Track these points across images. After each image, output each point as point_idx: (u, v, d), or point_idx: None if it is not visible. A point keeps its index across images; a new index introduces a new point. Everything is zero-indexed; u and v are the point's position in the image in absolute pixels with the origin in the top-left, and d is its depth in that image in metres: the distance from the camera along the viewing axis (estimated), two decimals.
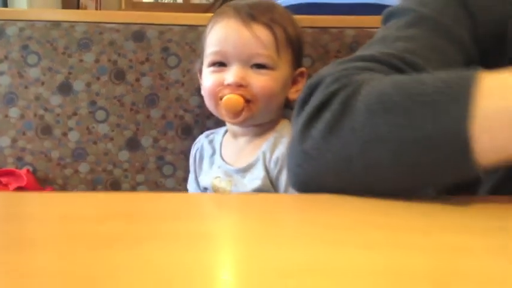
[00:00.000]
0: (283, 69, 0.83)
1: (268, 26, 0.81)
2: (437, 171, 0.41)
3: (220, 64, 0.82)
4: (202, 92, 0.86)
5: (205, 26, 0.90)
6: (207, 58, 0.83)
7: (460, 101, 0.39)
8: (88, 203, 0.43)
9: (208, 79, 0.83)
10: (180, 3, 3.64)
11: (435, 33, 0.54)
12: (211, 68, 0.83)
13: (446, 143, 0.39)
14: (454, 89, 0.40)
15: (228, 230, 0.36)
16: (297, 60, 0.86)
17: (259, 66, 0.81)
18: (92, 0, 2.56)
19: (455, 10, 0.56)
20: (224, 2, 2.89)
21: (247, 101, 0.80)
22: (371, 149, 0.42)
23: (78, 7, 2.36)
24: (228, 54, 0.81)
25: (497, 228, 0.36)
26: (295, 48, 0.85)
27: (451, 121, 0.39)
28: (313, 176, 0.46)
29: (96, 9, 2.59)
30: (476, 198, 0.46)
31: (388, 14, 0.59)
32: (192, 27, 1.02)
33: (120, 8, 2.89)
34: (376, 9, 1.31)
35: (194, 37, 1.01)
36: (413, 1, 0.58)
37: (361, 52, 0.54)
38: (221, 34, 0.82)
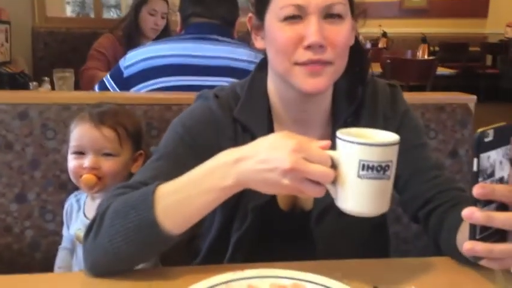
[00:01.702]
0: (125, 155, 1.21)
1: (113, 127, 1.18)
2: (146, 245, 0.81)
3: (79, 153, 1.18)
4: (69, 170, 1.22)
5: (77, 104, 1.28)
6: (71, 148, 1.19)
7: (147, 202, 0.79)
8: None
9: (71, 163, 1.19)
10: (92, 18, 3.79)
11: (171, 163, 0.93)
12: (74, 155, 1.19)
13: (145, 227, 0.79)
14: (142, 196, 0.81)
15: None
16: (136, 146, 1.24)
17: (107, 154, 1.18)
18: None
19: (184, 148, 0.95)
20: (126, 18, 3.15)
21: (99, 178, 1.18)
22: (114, 240, 0.80)
23: None
24: (85, 147, 1.17)
25: None
26: (135, 139, 1.23)
27: (145, 214, 0.79)
28: (94, 264, 0.84)
29: (6, 35, 2.68)
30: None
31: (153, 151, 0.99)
32: (66, 106, 1.36)
33: (34, 23, 2.95)
34: (229, 71, 1.68)
35: (67, 115, 1.35)
36: (162, 145, 0.97)
37: (132, 180, 0.93)
38: (80, 133, 1.18)
